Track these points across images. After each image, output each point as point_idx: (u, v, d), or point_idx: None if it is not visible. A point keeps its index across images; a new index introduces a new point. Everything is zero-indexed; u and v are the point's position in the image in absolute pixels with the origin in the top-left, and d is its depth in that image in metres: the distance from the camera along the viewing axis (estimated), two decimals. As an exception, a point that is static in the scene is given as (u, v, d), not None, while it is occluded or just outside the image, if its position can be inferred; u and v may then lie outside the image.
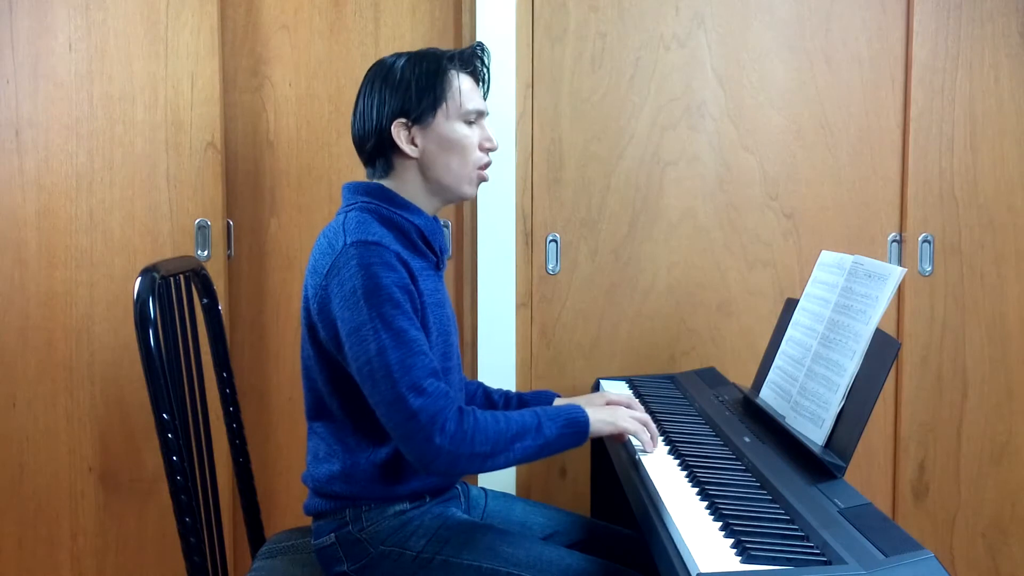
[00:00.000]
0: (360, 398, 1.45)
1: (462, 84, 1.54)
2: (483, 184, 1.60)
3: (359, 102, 1.55)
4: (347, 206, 1.53)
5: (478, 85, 1.59)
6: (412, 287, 1.44)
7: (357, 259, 1.40)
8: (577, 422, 1.47)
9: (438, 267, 1.58)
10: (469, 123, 1.55)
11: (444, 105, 1.51)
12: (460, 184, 1.55)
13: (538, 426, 1.44)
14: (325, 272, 1.44)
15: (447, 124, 1.52)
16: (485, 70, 1.60)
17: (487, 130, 1.57)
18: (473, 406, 1.48)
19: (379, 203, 1.51)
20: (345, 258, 1.41)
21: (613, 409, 1.54)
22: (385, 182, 1.55)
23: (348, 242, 1.42)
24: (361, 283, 1.39)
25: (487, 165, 1.58)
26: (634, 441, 1.58)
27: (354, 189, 1.55)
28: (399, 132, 1.51)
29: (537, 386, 2.36)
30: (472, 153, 1.55)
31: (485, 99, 1.61)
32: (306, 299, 1.50)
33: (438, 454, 1.36)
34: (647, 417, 1.58)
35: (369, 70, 1.56)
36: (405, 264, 1.44)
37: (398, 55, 1.55)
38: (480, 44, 1.59)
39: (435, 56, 1.54)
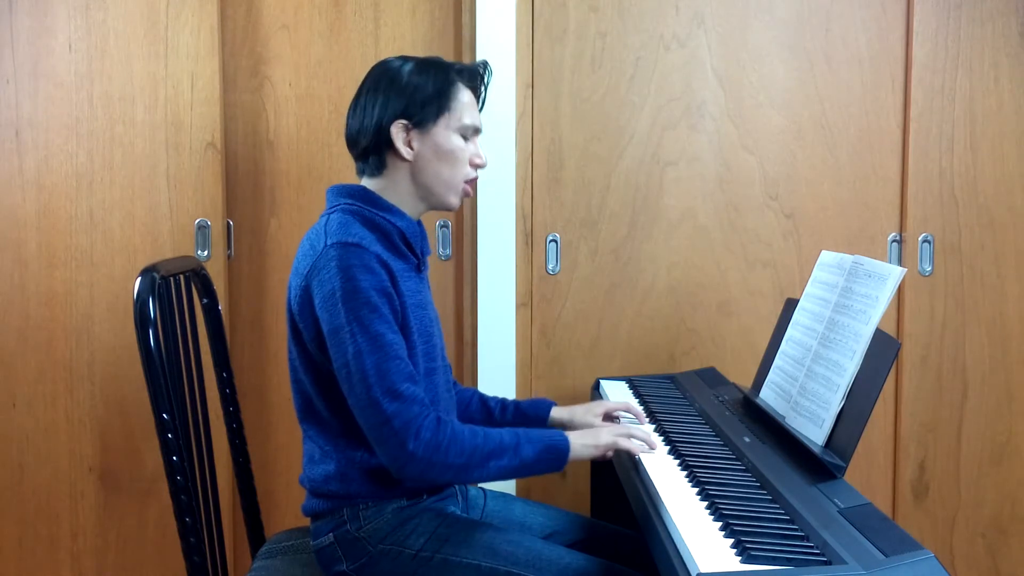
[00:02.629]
0: (344, 398, 1.46)
1: (465, 98, 1.57)
2: (483, 184, 1.62)
3: (359, 99, 1.56)
4: (330, 208, 1.55)
5: (477, 101, 1.62)
6: (392, 290, 1.45)
7: (337, 260, 1.42)
8: (556, 448, 1.48)
9: (419, 269, 1.59)
10: (464, 137, 1.57)
11: (446, 115, 1.54)
12: (447, 193, 1.58)
13: (516, 446, 1.45)
14: (306, 273, 1.45)
15: (445, 133, 1.54)
16: (484, 88, 1.63)
17: (478, 147, 1.60)
18: (452, 418, 1.49)
19: (362, 205, 1.53)
20: (325, 259, 1.43)
21: (596, 432, 1.55)
22: (372, 183, 1.57)
23: (329, 243, 1.44)
24: (340, 285, 1.40)
25: (474, 180, 1.61)
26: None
27: (337, 192, 1.56)
28: (398, 132, 1.53)
29: (537, 386, 2.36)
30: (463, 166, 1.57)
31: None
32: (289, 300, 1.51)
33: (410, 460, 1.38)
34: (630, 427, 1.59)
35: (373, 69, 1.58)
36: (386, 266, 1.45)
37: (404, 59, 1.57)
38: (485, 63, 1.62)
39: (444, 66, 1.57)
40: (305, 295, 1.45)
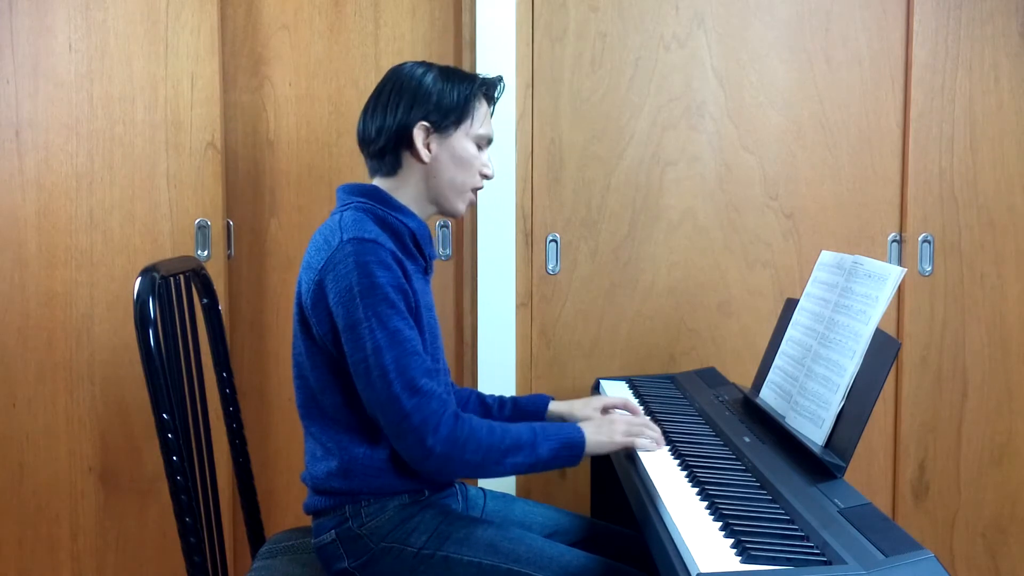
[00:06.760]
0: (351, 394, 1.48)
1: (483, 108, 1.61)
2: (483, 183, 1.64)
3: (380, 99, 1.57)
4: (342, 206, 1.56)
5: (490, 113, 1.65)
6: (407, 286, 1.46)
7: (354, 256, 1.42)
8: (573, 444, 1.49)
9: (426, 272, 1.60)
10: (479, 147, 1.61)
11: (467, 123, 1.57)
12: (456, 199, 1.60)
13: (533, 443, 1.46)
14: (320, 267, 1.46)
15: (463, 141, 1.58)
16: (495, 102, 1.67)
17: (487, 157, 1.64)
18: (470, 413, 1.49)
19: (374, 204, 1.54)
20: (342, 255, 1.43)
21: (610, 425, 1.56)
22: (383, 182, 1.59)
23: (345, 239, 1.45)
24: (357, 280, 1.41)
25: (478, 189, 1.64)
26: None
27: (349, 190, 1.57)
28: (419, 134, 1.55)
29: (537, 386, 2.36)
30: (474, 174, 1.61)
31: None
32: (299, 295, 1.52)
33: (429, 455, 1.40)
34: (645, 420, 1.60)
35: (395, 73, 1.59)
36: (400, 263, 1.46)
37: (426, 65, 1.59)
38: (501, 78, 1.65)
39: (469, 76, 1.60)
40: (319, 290, 1.46)
